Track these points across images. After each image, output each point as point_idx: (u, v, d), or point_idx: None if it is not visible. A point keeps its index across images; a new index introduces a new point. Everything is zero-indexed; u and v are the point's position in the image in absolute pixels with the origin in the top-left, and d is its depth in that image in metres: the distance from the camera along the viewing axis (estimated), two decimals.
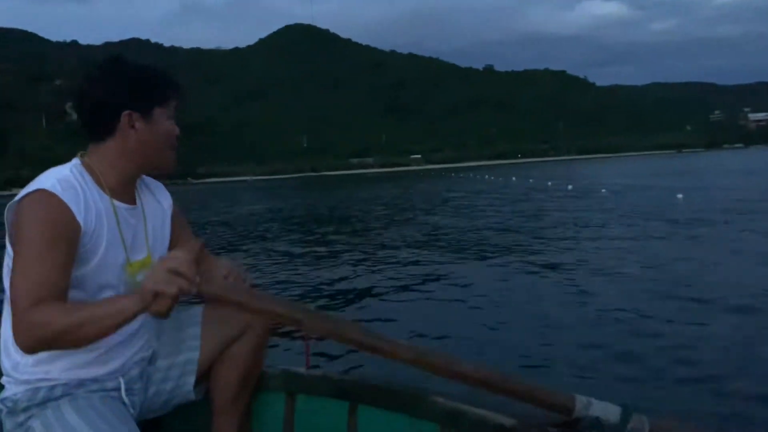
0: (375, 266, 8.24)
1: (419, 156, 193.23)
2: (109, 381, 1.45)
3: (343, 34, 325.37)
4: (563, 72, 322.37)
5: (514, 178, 33.44)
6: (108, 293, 1.41)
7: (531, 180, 29.53)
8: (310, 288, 6.93)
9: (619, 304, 5.17)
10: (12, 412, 1.38)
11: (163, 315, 1.17)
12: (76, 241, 1.34)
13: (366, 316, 5.38)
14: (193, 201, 35.52)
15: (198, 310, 1.67)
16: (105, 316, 1.21)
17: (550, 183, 26.05)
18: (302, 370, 1.82)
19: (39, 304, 1.21)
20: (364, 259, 8.96)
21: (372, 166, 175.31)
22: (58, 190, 1.33)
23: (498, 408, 1.37)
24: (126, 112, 1.41)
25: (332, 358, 4.11)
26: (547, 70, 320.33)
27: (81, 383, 1.40)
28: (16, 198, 1.34)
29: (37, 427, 1.36)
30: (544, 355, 4.07)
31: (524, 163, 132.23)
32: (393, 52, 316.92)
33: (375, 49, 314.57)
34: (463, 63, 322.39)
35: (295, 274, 8.00)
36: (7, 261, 1.35)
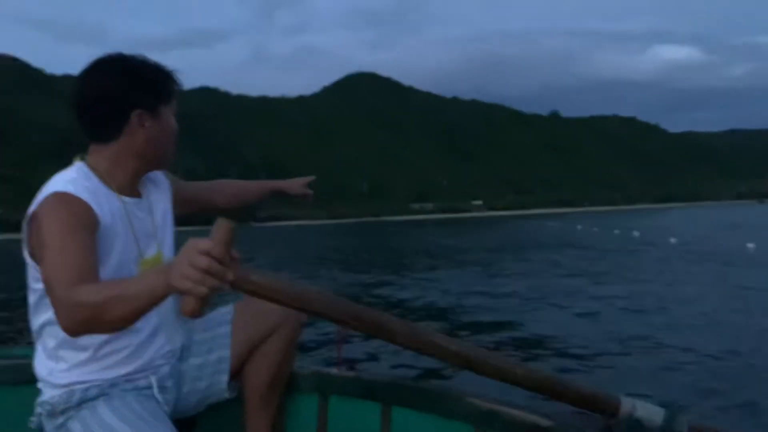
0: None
1: (481, 202, 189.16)
2: (140, 379, 1.46)
3: (405, 82, 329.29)
4: (633, 118, 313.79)
5: (579, 227, 29.73)
6: None
7: (595, 229, 25.95)
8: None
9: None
10: (51, 414, 1.41)
11: (194, 315, 1.04)
12: (96, 232, 1.35)
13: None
14: (258, 243, 36.32)
15: (229, 308, 1.69)
16: (142, 293, 1.12)
17: (617, 231, 22.54)
18: (334, 371, 1.82)
19: (73, 287, 1.20)
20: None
21: (432, 212, 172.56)
22: (71, 190, 1.35)
23: (533, 408, 1.35)
24: (137, 112, 1.42)
25: (364, 358, 4.22)
26: (615, 116, 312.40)
27: (114, 383, 1.42)
28: (30, 211, 1.36)
29: (75, 428, 1.38)
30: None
31: (591, 211, 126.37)
32: (455, 98, 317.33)
33: (437, 95, 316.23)
34: (527, 109, 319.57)
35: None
36: (30, 272, 1.38)
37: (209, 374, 1.62)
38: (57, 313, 1.22)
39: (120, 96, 1.40)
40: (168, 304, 1.45)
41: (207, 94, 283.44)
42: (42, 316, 1.38)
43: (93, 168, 1.44)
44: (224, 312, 1.68)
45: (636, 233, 20.98)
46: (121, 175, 1.45)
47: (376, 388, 1.71)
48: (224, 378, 1.62)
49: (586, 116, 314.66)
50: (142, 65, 1.46)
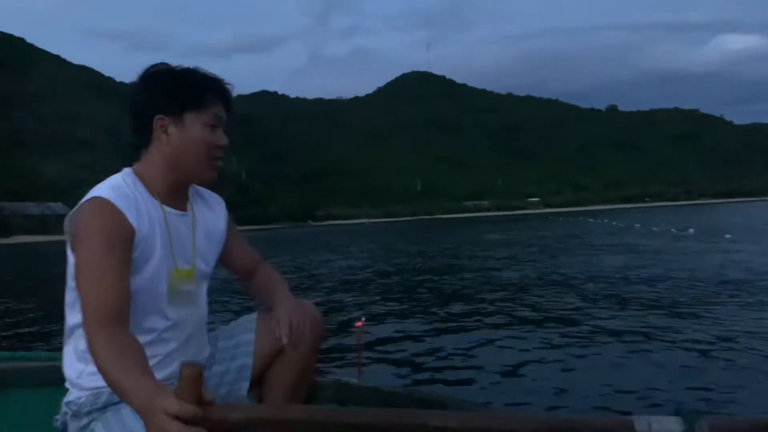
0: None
1: (537, 199, 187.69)
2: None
3: (459, 80, 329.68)
4: (696, 110, 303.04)
5: (637, 225, 30.72)
6: (157, 302, 1.45)
7: (655, 228, 26.91)
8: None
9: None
10: (76, 415, 1.42)
11: None
12: (131, 244, 1.37)
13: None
14: (314, 240, 37.45)
15: (253, 317, 1.70)
16: (120, 387, 1.13)
17: (674, 229, 23.52)
18: (354, 381, 1.82)
19: (101, 324, 1.24)
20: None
21: (487, 209, 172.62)
22: (111, 197, 1.37)
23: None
24: (157, 117, 1.42)
25: (384, 370, 4.12)
26: (677, 109, 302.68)
27: None
28: (72, 212, 1.38)
29: (98, 430, 1.39)
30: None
31: (652, 207, 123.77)
32: (509, 95, 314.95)
33: (491, 92, 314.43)
34: (584, 104, 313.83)
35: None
36: (70, 270, 1.39)
37: (230, 381, 1.63)
38: (86, 335, 1.28)
39: (141, 102, 1.43)
40: (199, 317, 1.55)
41: (266, 97, 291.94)
42: (77, 316, 1.38)
43: (138, 174, 1.46)
44: (248, 320, 1.69)
45: (691, 230, 21.75)
46: (161, 183, 1.46)
47: (394, 398, 1.69)
48: (245, 385, 1.63)
49: (646, 109, 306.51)
50: (172, 72, 1.46)
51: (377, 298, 7.98)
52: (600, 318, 6.00)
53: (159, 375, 1.44)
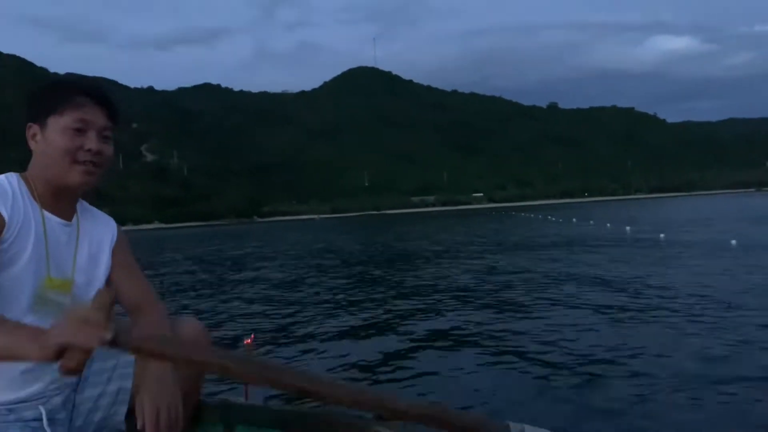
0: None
1: (481, 194, 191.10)
2: (27, 410, 1.38)
3: (405, 76, 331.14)
4: (632, 109, 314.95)
5: (574, 219, 31.73)
6: (18, 305, 1.37)
7: (591, 222, 27.85)
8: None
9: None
10: None
11: (74, 371, 1.03)
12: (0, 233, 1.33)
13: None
14: (259, 237, 37.67)
15: None
16: (8, 346, 1.09)
17: (609, 225, 24.44)
18: (242, 400, 1.78)
19: None
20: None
21: (433, 205, 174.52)
22: None
23: None
24: (28, 125, 1.42)
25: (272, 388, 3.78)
26: (614, 107, 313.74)
27: (6, 411, 1.33)
28: None
29: None
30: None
31: (590, 202, 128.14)
32: (455, 91, 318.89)
33: (436, 89, 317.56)
34: (526, 101, 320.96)
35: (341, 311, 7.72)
36: None
37: (107, 405, 1.52)
38: None
39: (25, 111, 1.43)
40: None
41: (209, 90, 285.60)
42: None
43: (24, 178, 1.45)
44: None
45: (627, 228, 22.53)
46: (41, 189, 1.44)
47: (284, 417, 1.66)
48: (123, 409, 1.53)
49: (585, 107, 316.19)
50: (42, 83, 1.45)
51: (273, 313, 7.81)
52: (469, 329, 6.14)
53: (21, 394, 1.37)
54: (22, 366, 1.36)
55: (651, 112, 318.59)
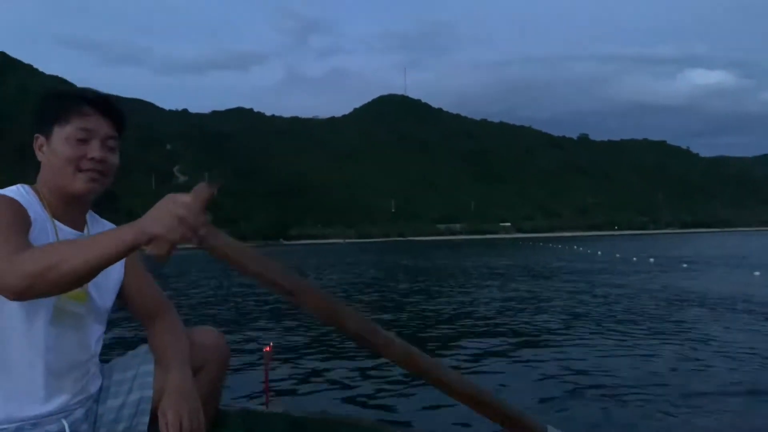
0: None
1: (509, 224, 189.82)
2: (50, 423, 1.38)
3: (435, 104, 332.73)
4: (663, 142, 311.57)
5: (599, 252, 31.46)
6: (40, 317, 1.38)
7: (618, 255, 27.62)
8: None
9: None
10: None
11: (161, 259, 1.10)
12: (29, 231, 1.34)
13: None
14: (288, 260, 37.73)
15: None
16: (96, 247, 1.13)
17: (635, 258, 24.22)
18: (262, 407, 1.79)
19: (17, 254, 1.18)
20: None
21: (459, 233, 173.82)
22: (7, 192, 1.39)
23: None
24: (35, 135, 1.44)
25: (292, 395, 4.02)
26: (645, 140, 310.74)
27: (20, 427, 1.33)
28: None
29: None
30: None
31: (620, 235, 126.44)
32: (483, 120, 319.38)
33: (465, 117, 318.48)
34: (556, 132, 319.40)
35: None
36: None
37: (128, 416, 1.54)
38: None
39: (33, 124, 1.45)
40: (85, 346, 1.46)
41: (242, 114, 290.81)
42: None
43: (35, 188, 1.46)
44: (146, 350, 1.60)
45: (652, 260, 22.44)
46: (53, 201, 1.45)
47: (303, 424, 1.64)
48: (145, 419, 1.54)
49: (616, 139, 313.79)
50: (47, 93, 1.48)
51: (290, 320, 7.81)
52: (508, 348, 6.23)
53: (45, 408, 1.37)
54: (37, 379, 1.36)
55: (683, 146, 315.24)
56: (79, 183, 1.43)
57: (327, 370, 4.94)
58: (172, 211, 1.08)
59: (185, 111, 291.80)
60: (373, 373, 4.71)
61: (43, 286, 1.14)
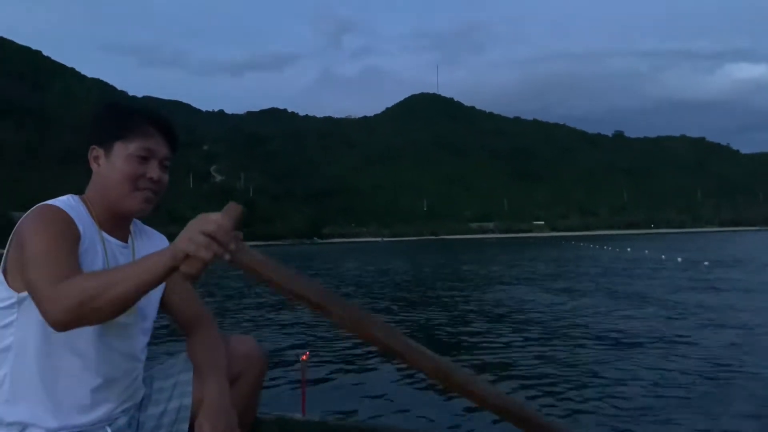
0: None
1: (542, 222, 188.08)
2: (95, 431, 1.42)
3: (467, 102, 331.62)
4: (702, 138, 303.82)
5: (629, 249, 31.60)
6: (88, 329, 1.40)
7: (646, 251, 27.74)
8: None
9: None
10: None
11: (193, 277, 1.13)
12: (78, 246, 1.36)
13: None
14: (323, 258, 38.02)
15: None
16: (135, 273, 1.17)
17: (663, 256, 24.38)
18: (298, 416, 1.77)
19: (62, 281, 1.20)
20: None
21: (492, 231, 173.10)
22: (58, 204, 1.39)
23: None
24: (91, 146, 1.45)
25: (329, 403, 4.03)
26: (684, 137, 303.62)
27: None
28: (21, 219, 1.37)
29: None
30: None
31: (656, 233, 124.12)
32: (517, 118, 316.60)
33: (498, 115, 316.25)
34: (591, 129, 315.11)
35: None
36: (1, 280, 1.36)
37: (169, 423, 1.57)
38: (43, 308, 1.20)
39: (86, 133, 1.47)
40: (133, 356, 1.51)
41: (276, 114, 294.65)
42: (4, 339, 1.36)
43: (84, 199, 1.48)
44: (185, 358, 1.62)
45: (679, 259, 22.44)
46: (100, 211, 1.46)
47: None
48: (184, 427, 1.56)
49: (653, 136, 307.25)
50: (109, 105, 1.49)
51: (329, 330, 7.72)
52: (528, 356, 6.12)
53: (89, 417, 1.40)
54: (86, 387, 1.39)
55: (723, 143, 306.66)
56: (135, 202, 1.45)
57: (364, 378, 4.91)
58: (203, 229, 1.10)
59: (221, 112, 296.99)
60: (409, 381, 4.68)
61: (90, 315, 1.18)
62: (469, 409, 3.79)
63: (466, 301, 11.33)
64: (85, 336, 1.38)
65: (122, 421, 1.48)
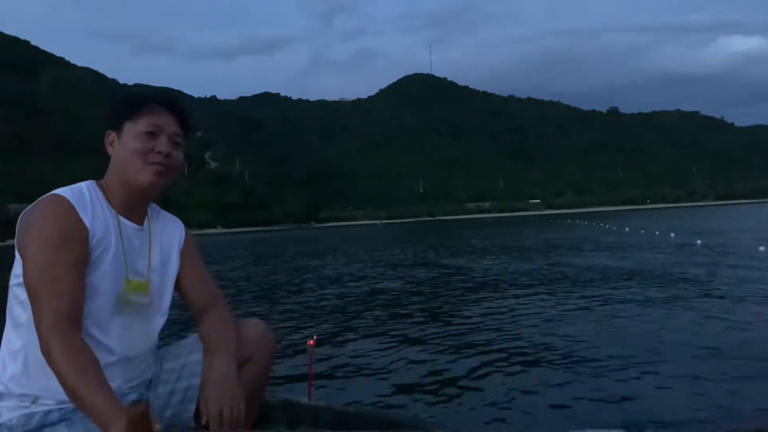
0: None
1: (538, 201, 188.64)
2: None
3: (461, 82, 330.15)
4: (697, 113, 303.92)
5: (627, 228, 31.73)
6: (103, 309, 1.46)
7: (642, 231, 27.88)
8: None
9: None
10: None
11: None
12: (86, 244, 1.40)
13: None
14: (324, 242, 37.60)
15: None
16: (87, 396, 1.26)
17: (657, 233, 24.49)
18: (305, 400, 1.79)
19: (56, 327, 1.29)
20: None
21: (489, 211, 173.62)
22: (68, 195, 1.42)
23: None
24: (107, 132, 1.52)
25: (335, 389, 4.09)
26: (678, 111, 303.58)
27: (76, 408, 1.38)
28: (30, 206, 1.43)
29: None
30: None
31: (652, 209, 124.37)
32: (511, 97, 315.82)
33: (492, 95, 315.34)
34: (586, 106, 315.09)
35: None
36: (16, 270, 1.43)
37: (177, 403, 1.60)
38: (38, 333, 1.33)
39: (105, 122, 1.53)
40: (148, 336, 1.57)
41: (269, 99, 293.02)
42: (21, 316, 1.42)
43: (100, 185, 1.53)
44: (195, 339, 1.66)
45: (672, 234, 22.35)
46: (117, 195, 1.52)
47: (345, 418, 1.66)
48: (191, 407, 1.59)
49: (647, 112, 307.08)
50: (123, 95, 1.57)
51: (334, 313, 7.66)
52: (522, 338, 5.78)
53: None
54: (104, 365, 1.42)
55: (718, 116, 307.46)
56: (146, 175, 1.49)
57: (370, 364, 4.91)
58: (131, 426, 1.16)
59: (214, 98, 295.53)
60: (417, 368, 4.68)
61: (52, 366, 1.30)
62: (475, 402, 3.84)
63: (485, 272, 11.40)
64: (100, 314, 1.44)
65: (131, 398, 1.51)
